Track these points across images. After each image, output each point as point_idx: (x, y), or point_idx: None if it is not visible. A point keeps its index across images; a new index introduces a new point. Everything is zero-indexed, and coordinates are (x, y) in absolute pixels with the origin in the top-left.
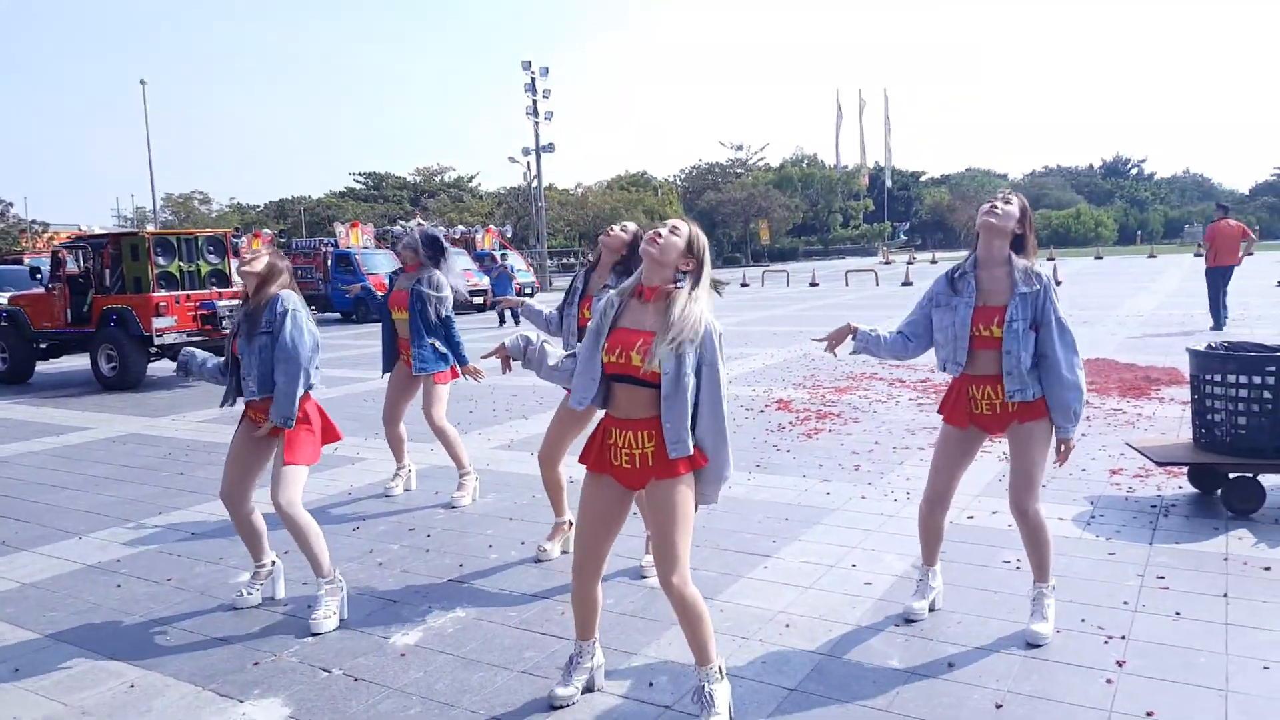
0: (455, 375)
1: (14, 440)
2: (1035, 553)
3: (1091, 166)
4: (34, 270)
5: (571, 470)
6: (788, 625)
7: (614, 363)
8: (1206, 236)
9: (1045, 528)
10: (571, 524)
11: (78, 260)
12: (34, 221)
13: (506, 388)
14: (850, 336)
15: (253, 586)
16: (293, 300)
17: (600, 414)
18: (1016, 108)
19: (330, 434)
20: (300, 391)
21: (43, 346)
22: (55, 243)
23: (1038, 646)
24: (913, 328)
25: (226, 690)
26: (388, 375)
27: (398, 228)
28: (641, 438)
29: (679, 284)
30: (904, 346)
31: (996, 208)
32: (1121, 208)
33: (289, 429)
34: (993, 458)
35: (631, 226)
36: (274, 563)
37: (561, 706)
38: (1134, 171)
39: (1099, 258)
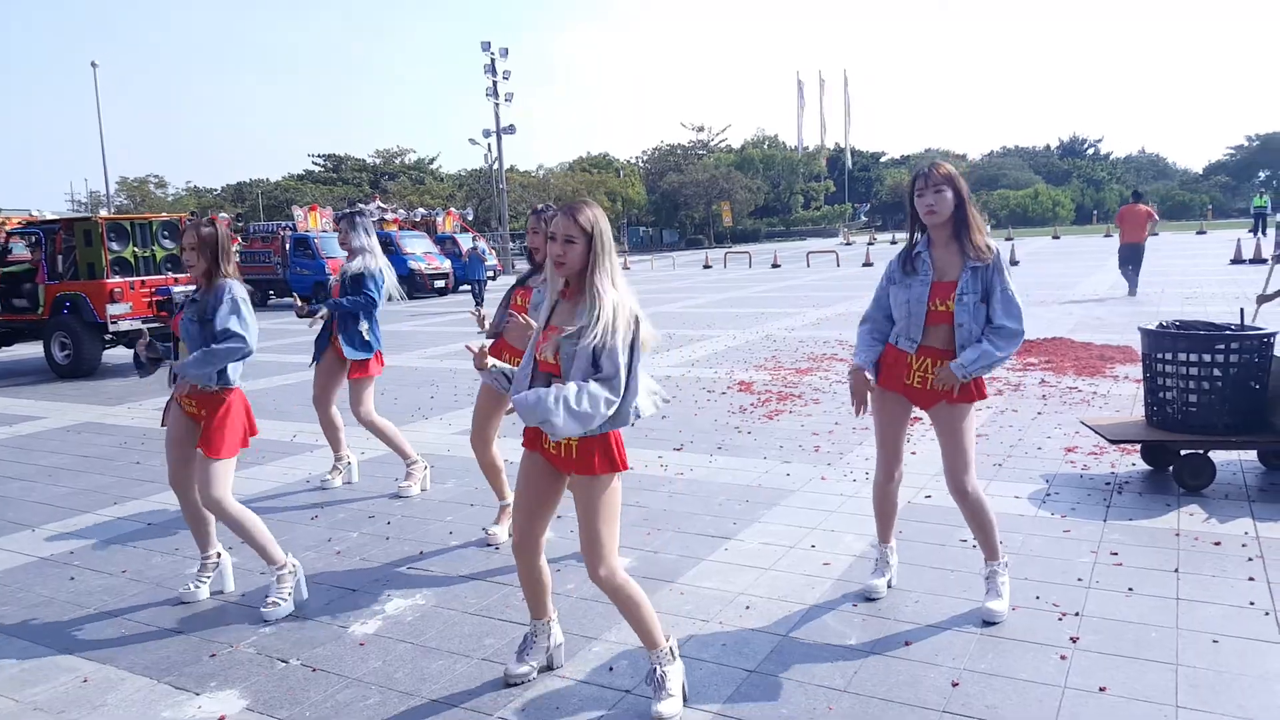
0: (380, 365)
1: None
2: (981, 532)
3: (1049, 147)
4: None
5: (507, 453)
6: (748, 607)
7: (542, 360)
8: (1117, 218)
9: (986, 505)
10: None
11: (29, 246)
12: None
13: (467, 373)
14: (866, 375)
15: (200, 580)
16: (240, 290)
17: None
18: (975, 88)
19: (250, 430)
20: (229, 365)
21: None
22: (7, 228)
23: (993, 624)
24: (883, 309)
25: (182, 683)
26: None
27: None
28: None
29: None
30: (886, 332)
31: (934, 209)
32: (1078, 187)
33: (206, 419)
34: None
35: (543, 225)
36: (220, 555)
37: (516, 684)
38: (1090, 151)
39: (1056, 237)
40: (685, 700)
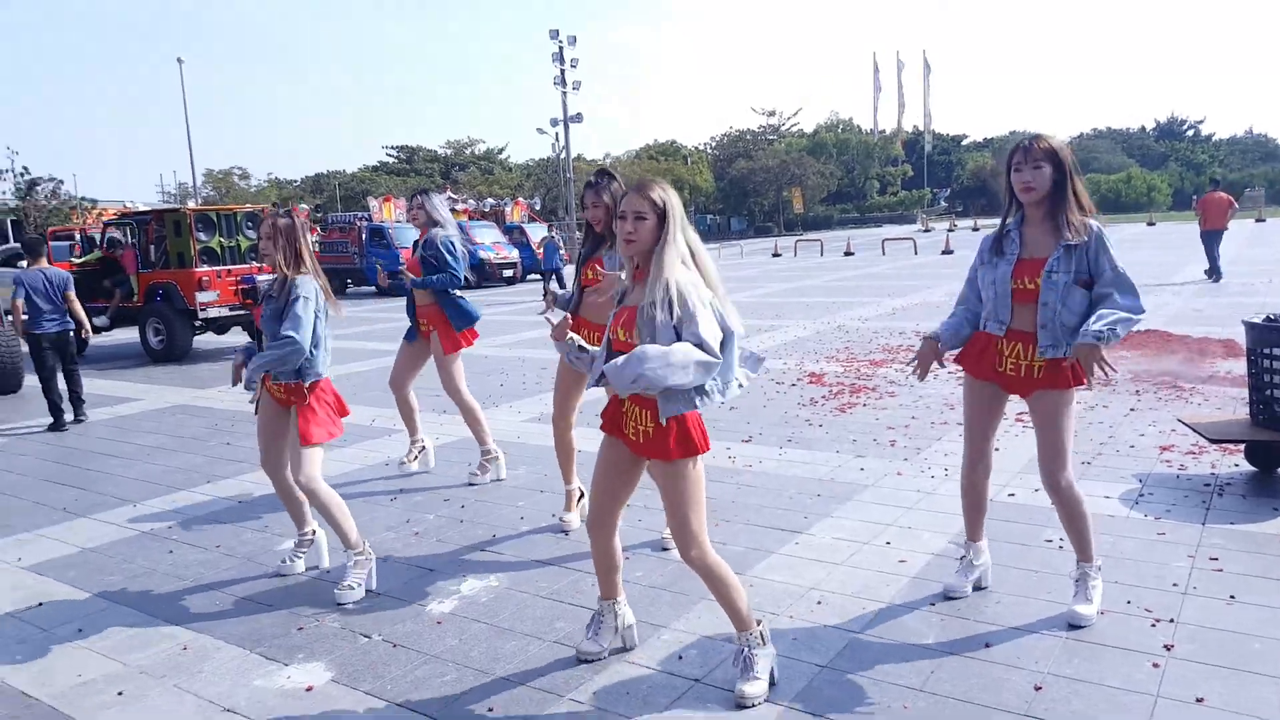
0: (462, 345)
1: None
2: (1073, 529)
3: (1144, 128)
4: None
5: (583, 442)
6: (819, 602)
7: (619, 340)
8: (1198, 205)
9: (1081, 501)
10: (582, 492)
11: (124, 236)
12: (83, 198)
13: (536, 360)
14: (935, 346)
15: (296, 554)
16: (308, 287)
17: None
18: (1065, 66)
19: (341, 411)
20: (273, 366)
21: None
22: (104, 219)
23: (1080, 628)
24: (975, 290)
25: (273, 654)
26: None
27: None
28: (645, 416)
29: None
30: (979, 314)
31: (1031, 186)
32: (1176, 171)
33: (296, 408)
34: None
35: (603, 197)
36: (314, 532)
37: (588, 660)
38: (1190, 133)
39: (1151, 224)
40: (773, 684)
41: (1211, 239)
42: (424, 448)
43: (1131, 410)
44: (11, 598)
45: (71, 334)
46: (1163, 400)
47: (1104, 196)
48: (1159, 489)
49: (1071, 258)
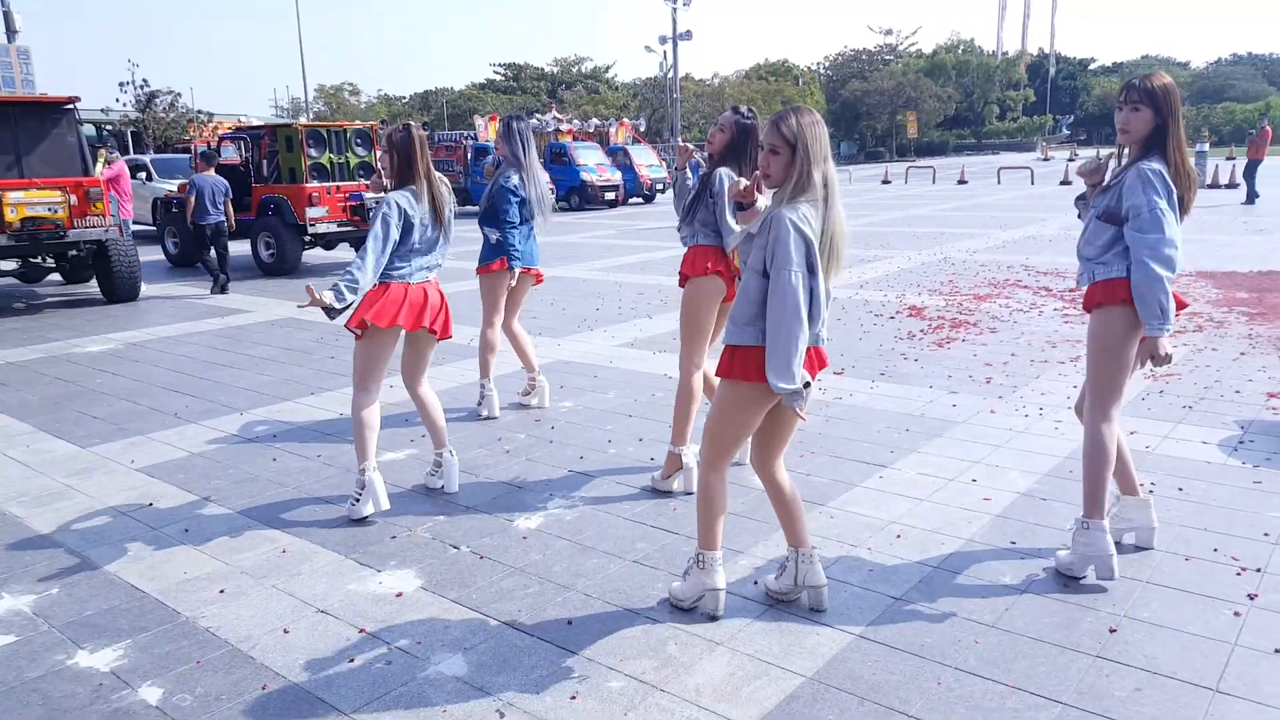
0: (497, 268)
1: (184, 320)
2: (1084, 474)
3: None
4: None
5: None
6: (899, 536)
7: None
8: (1261, 136)
9: (1095, 446)
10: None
11: (239, 150)
12: (200, 111)
13: (633, 286)
14: None
15: (431, 473)
16: (390, 200)
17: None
18: None
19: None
20: (356, 280)
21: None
22: (219, 132)
23: (1065, 575)
24: None
25: (366, 560)
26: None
27: (534, 121)
28: None
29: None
30: None
31: (1124, 128)
32: None
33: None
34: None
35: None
36: (450, 453)
37: (775, 601)
38: None
39: None
40: (820, 610)
41: (1251, 167)
42: (541, 386)
43: (1241, 355)
44: (125, 496)
45: (224, 225)
46: (1277, 346)
47: (1238, 127)
48: (1261, 437)
49: (1105, 195)
